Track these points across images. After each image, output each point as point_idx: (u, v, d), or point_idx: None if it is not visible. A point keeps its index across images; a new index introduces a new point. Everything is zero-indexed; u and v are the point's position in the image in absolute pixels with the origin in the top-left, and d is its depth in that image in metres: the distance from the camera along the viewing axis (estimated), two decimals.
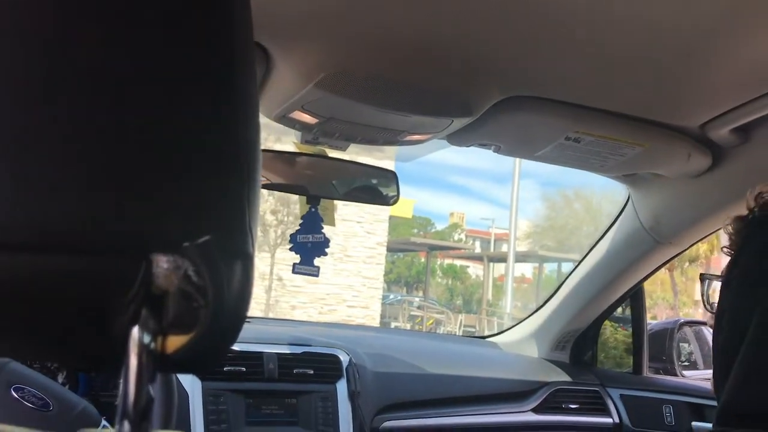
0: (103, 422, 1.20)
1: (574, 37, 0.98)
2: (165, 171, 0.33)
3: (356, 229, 12.45)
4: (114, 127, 0.32)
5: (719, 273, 0.83)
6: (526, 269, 26.28)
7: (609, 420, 1.85)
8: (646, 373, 1.98)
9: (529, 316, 2.16)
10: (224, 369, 1.49)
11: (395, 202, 1.44)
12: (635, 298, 1.94)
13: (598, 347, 2.05)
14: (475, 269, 28.97)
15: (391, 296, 19.90)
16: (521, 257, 18.42)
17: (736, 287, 0.76)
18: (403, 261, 29.27)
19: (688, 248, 1.68)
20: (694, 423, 1.78)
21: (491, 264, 21.54)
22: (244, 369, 1.51)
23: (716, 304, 0.81)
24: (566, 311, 1.97)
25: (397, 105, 1.12)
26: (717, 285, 0.84)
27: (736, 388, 0.72)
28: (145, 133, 0.33)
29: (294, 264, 1.42)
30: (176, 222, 0.33)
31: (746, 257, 0.76)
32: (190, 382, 1.44)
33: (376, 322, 12.64)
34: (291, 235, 1.42)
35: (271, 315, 11.46)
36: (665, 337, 2.06)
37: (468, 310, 20.99)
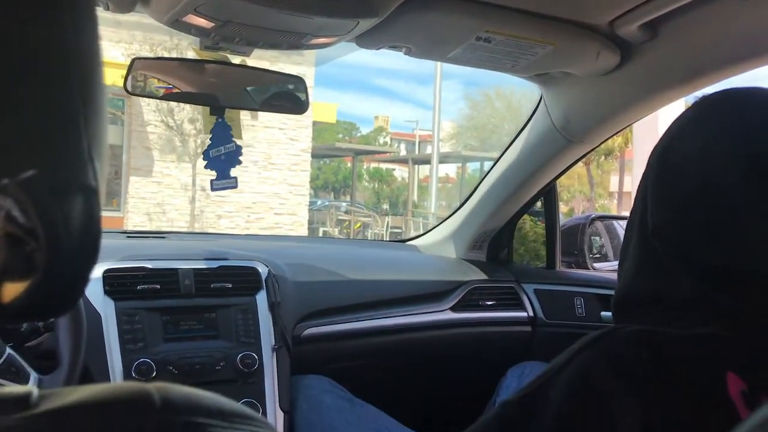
0: (8, 350, 1.16)
1: None
2: None
3: (279, 136, 12.21)
4: None
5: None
6: (450, 169, 26.70)
7: (524, 314, 1.93)
8: (559, 267, 2.05)
9: (448, 218, 2.19)
10: (138, 288, 1.45)
11: (305, 110, 1.39)
12: (548, 195, 1.98)
13: (516, 242, 2.11)
14: (401, 172, 29.21)
15: (319, 202, 19.91)
16: (445, 158, 18.65)
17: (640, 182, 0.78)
18: (329, 167, 29.17)
19: (598, 146, 1.71)
20: (602, 313, 1.87)
21: (416, 166, 21.74)
22: (158, 286, 1.47)
23: None
24: (482, 212, 2.00)
25: (297, 6, 1.05)
26: None
27: (627, 278, 0.75)
28: None
29: (211, 181, 1.37)
30: None
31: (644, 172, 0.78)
32: (102, 303, 1.40)
33: (304, 229, 12.68)
34: (204, 152, 1.36)
35: (196, 226, 11.32)
36: (578, 231, 2.14)
37: (395, 213, 21.28)
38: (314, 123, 13.79)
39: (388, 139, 35.03)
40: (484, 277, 1.96)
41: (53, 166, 0.30)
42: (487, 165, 1.94)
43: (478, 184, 2.03)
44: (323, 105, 15.64)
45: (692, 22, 1.19)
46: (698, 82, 1.32)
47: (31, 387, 0.33)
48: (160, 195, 11.33)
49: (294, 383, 1.52)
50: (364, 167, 28.81)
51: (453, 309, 1.85)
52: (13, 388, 0.33)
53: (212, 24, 1.13)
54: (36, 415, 0.31)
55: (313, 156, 15.16)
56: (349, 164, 25.32)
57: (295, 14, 1.08)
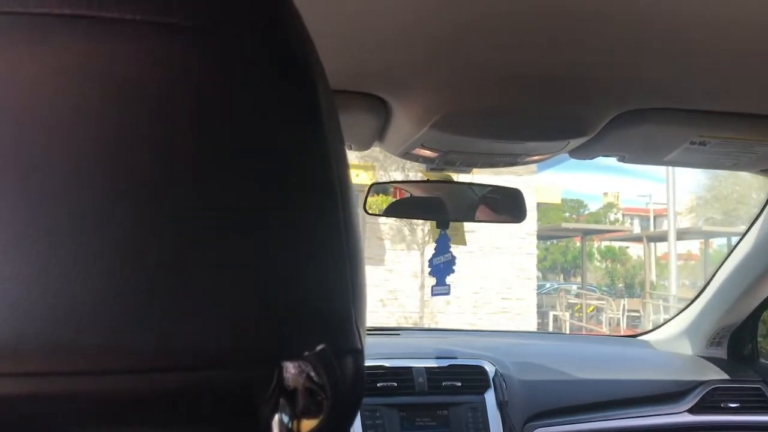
0: None
1: (686, 44, 0.96)
2: (285, 304, 0.41)
3: None
4: (238, 255, 0.39)
5: None
6: (693, 245, 24.62)
7: None
8: None
9: (681, 311, 2.10)
10: (377, 385, 1.60)
11: (522, 219, 1.48)
12: None
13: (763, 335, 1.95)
14: (636, 249, 27.54)
15: (547, 285, 19.43)
16: (683, 234, 17.30)
17: None
18: (557, 247, 28.50)
19: None
20: None
21: (652, 243, 20.41)
22: (395, 384, 1.60)
23: None
24: (720, 305, 1.90)
25: (509, 135, 1.16)
26: None
27: None
28: (265, 275, 0.40)
29: (432, 287, 1.50)
30: (298, 338, 0.41)
31: None
32: None
33: (532, 313, 12.45)
34: (429, 260, 1.50)
35: (425, 311, 11.66)
36: None
37: (631, 294, 20.02)
38: (538, 204, 13.72)
39: (619, 216, 33.50)
40: (725, 376, 1.84)
41: (335, 340, 0.41)
42: (734, 240, 1.85)
43: (713, 276, 1.93)
44: (548, 187, 15.54)
45: None
46: None
47: None
48: (392, 282, 11.92)
49: None
50: (595, 246, 27.72)
51: (691, 411, 1.76)
52: None
53: (436, 154, 1.28)
54: None
55: (539, 237, 15.00)
56: (578, 243, 24.53)
57: (510, 142, 1.19)
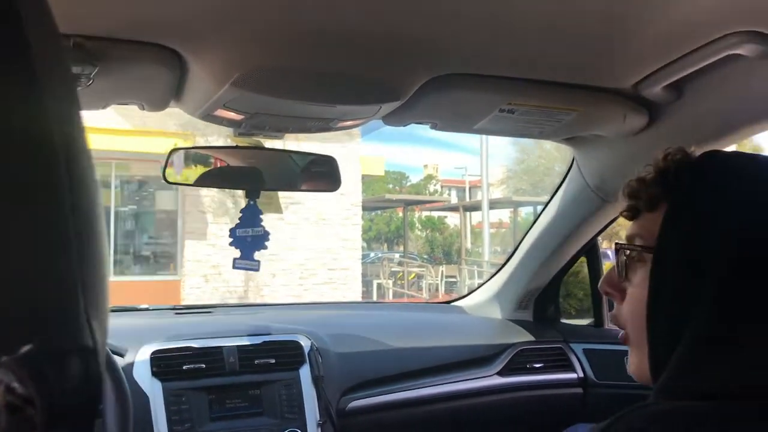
0: None
1: (494, 10, 0.95)
2: None
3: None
4: None
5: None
6: (504, 214, 26.45)
7: (573, 375, 1.88)
8: (608, 325, 2.00)
9: (492, 277, 2.18)
10: (183, 368, 1.48)
11: (337, 187, 1.42)
12: (591, 253, 1.95)
13: (572, 287, 2.09)
14: (453, 219, 29.07)
15: (372, 254, 19.96)
16: (495, 204, 18.52)
17: (676, 263, 0.64)
18: (381, 218, 29.31)
19: None
20: None
21: (468, 213, 21.63)
22: (203, 366, 1.50)
23: (643, 281, 0.72)
24: (525, 271, 1.99)
25: (319, 97, 1.09)
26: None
27: (685, 369, 0.63)
28: None
29: (234, 259, 1.40)
30: None
31: (684, 226, 0.64)
32: (149, 384, 1.43)
33: (357, 283, 12.70)
34: (230, 230, 1.39)
35: (251, 284, 11.46)
36: None
37: (449, 261, 21.14)
38: (363, 176, 13.93)
39: (438, 187, 35.07)
40: (531, 338, 1.93)
41: (48, 337, 0.31)
42: (540, 209, 1.94)
43: (519, 243, 2.01)
44: (371, 158, 15.80)
45: (716, 81, 1.18)
46: (730, 137, 1.30)
47: None
48: (215, 257, 11.55)
49: None
50: (416, 216, 28.85)
51: (500, 373, 1.83)
52: None
53: (241, 116, 1.18)
54: None
55: (364, 209, 15.28)
56: (400, 214, 25.39)
57: (318, 104, 1.12)
